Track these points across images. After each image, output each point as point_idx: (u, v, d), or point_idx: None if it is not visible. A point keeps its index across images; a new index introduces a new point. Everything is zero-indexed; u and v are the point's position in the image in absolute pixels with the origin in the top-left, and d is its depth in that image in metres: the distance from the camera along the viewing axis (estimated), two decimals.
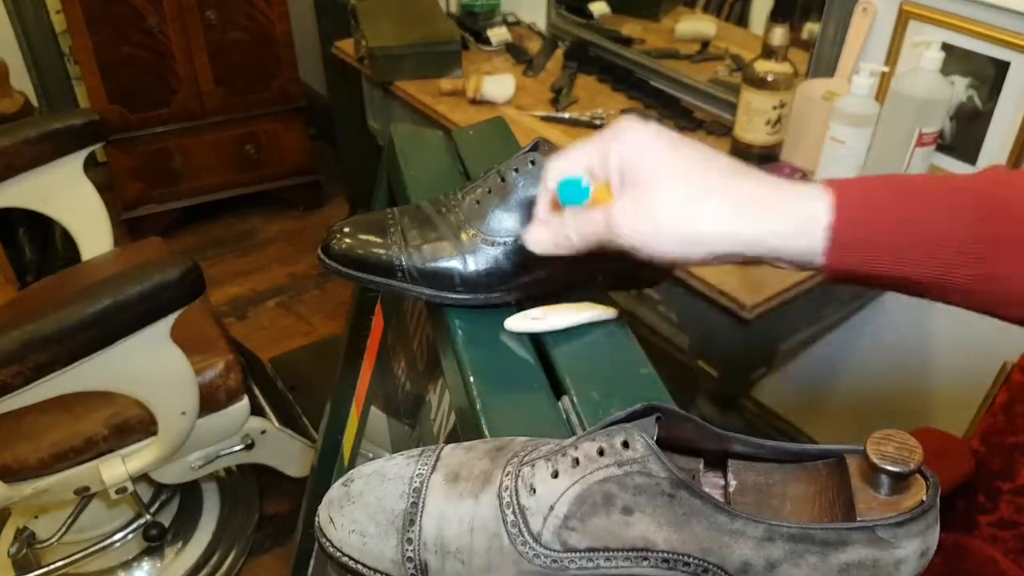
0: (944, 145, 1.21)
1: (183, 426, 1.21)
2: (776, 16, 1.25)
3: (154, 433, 1.23)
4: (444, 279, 0.58)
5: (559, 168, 0.47)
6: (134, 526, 1.46)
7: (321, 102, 2.84)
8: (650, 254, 0.42)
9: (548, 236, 0.46)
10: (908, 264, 0.41)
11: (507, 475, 0.42)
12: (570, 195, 0.44)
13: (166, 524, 1.49)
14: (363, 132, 2.06)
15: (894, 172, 1.16)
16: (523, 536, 0.40)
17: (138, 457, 1.24)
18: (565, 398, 0.54)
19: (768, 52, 1.24)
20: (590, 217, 0.43)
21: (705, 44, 1.58)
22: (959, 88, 1.16)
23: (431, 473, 0.44)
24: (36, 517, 1.38)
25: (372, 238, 0.60)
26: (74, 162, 1.37)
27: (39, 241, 2.21)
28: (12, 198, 1.34)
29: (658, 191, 0.41)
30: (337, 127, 2.52)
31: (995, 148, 1.16)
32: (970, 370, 1.30)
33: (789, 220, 0.41)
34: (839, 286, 1.17)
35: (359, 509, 0.44)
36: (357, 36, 1.74)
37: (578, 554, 0.39)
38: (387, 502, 0.44)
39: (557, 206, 0.46)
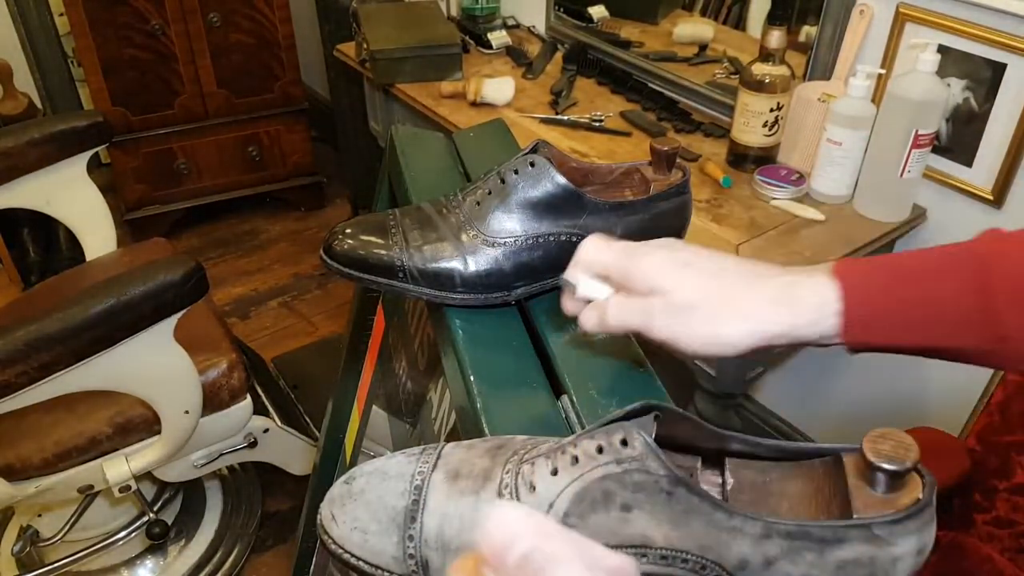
0: (940, 147, 1.21)
1: (186, 425, 1.22)
2: (773, 19, 1.25)
3: (158, 432, 1.24)
4: (445, 279, 0.59)
5: (582, 271, 0.51)
6: (137, 524, 1.47)
7: (323, 104, 2.84)
8: (679, 350, 0.47)
9: (595, 319, 0.50)
10: (921, 337, 0.44)
11: (507, 473, 0.42)
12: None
13: (169, 522, 1.50)
14: (364, 134, 2.06)
15: (891, 173, 1.17)
16: None
17: (142, 456, 1.25)
18: (564, 397, 0.54)
19: (765, 55, 1.25)
20: (631, 310, 0.47)
21: (703, 47, 1.58)
22: (955, 90, 1.17)
23: (432, 471, 0.45)
24: (40, 515, 1.39)
25: (373, 239, 0.60)
26: (78, 163, 1.38)
27: (43, 242, 2.22)
28: (16, 199, 1.35)
29: (685, 297, 0.46)
30: (339, 129, 2.53)
31: (991, 150, 1.16)
32: (967, 369, 1.30)
33: (804, 313, 0.45)
34: None
35: (361, 507, 0.45)
36: (358, 39, 1.74)
37: None
38: (388, 500, 0.44)
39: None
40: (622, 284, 0.49)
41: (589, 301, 0.51)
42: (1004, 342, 0.43)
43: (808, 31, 1.33)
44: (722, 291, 0.46)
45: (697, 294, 0.46)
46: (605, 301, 0.50)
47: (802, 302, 0.45)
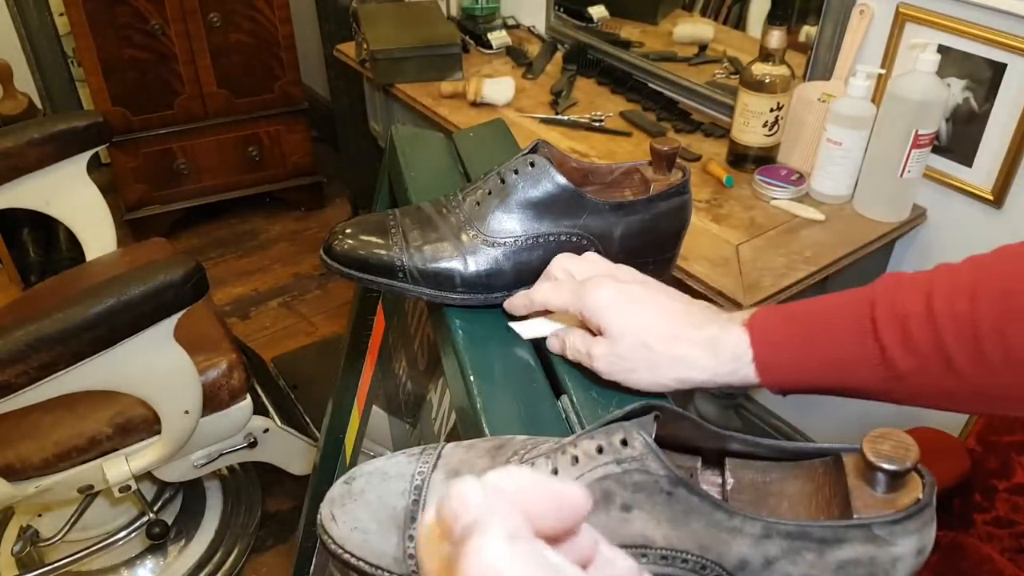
0: (940, 147, 1.21)
1: (186, 425, 1.22)
2: (773, 19, 1.25)
3: (158, 432, 1.24)
4: (445, 279, 0.59)
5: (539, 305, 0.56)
6: (137, 524, 1.47)
7: (323, 104, 2.84)
8: (622, 383, 0.53)
9: (558, 347, 0.56)
10: (826, 380, 0.49)
11: None
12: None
13: (169, 522, 1.50)
14: (364, 134, 2.06)
15: (891, 173, 1.17)
16: None
17: (142, 456, 1.25)
18: (564, 397, 0.54)
19: (765, 55, 1.25)
20: (586, 352, 0.53)
21: (703, 47, 1.58)
22: (955, 90, 1.17)
23: (432, 471, 0.45)
24: (40, 515, 1.39)
25: (373, 239, 0.60)
26: (78, 163, 1.38)
27: (43, 242, 2.22)
28: (16, 199, 1.35)
29: (624, 347, 0.51)
30: (339, 129, 2.53)
31: (991, 150, 1.16)
32: None
33: (725, 363, 0.50)
34: (834, 285, 1.17)
35: (361, 507, 0.45)
36: (358, 39, 1.74)
37: None
38: (389, 500, 0.44)
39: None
40: (580, 319, 0.53)
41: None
42: (900, 381, 0.46)
43: (808, 31, 1.33)
44: (659, 338, 0.50)
45: (637, 341, 0.50)
46: (565, 332, 0.55)
47: (723, 353, 0.50)
